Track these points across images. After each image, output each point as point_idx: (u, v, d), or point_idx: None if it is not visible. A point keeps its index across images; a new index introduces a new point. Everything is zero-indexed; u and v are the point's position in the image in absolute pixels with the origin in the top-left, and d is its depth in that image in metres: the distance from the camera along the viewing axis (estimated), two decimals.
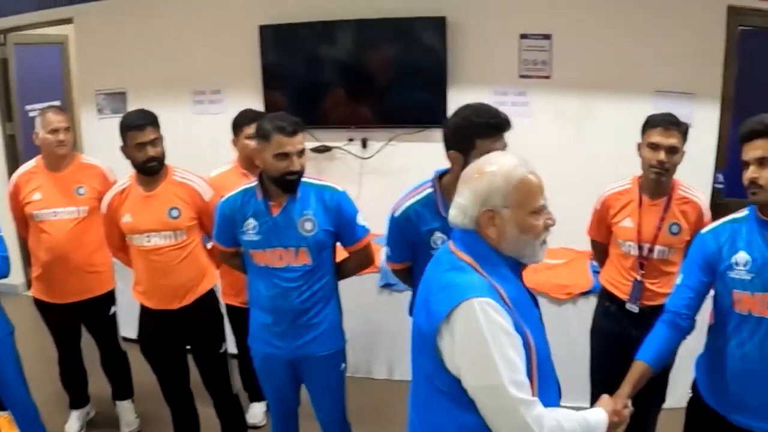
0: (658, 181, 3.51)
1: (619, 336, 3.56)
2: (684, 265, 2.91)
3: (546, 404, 2.02)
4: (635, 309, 3.60)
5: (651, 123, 3.49)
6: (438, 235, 3.05)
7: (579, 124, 5.55)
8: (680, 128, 3.44)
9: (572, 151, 5.51)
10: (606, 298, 3.83)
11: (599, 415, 2.23)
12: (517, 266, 2.19)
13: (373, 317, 5.08)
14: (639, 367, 2.73)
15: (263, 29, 5.69)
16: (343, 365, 3.58)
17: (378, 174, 5.66)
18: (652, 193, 3.59)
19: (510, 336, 1.96)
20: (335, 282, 3.51)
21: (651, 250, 3.58)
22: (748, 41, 5.80)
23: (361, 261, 3.56)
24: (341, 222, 3.36)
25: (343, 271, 3.57)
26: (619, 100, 5.42)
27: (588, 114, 5.53)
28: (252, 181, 3.40)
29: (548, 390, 2.12)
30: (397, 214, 3.13)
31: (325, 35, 5.66)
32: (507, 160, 2.11)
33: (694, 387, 2.98)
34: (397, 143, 5.65)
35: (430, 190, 3.09)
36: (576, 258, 5.25)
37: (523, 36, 5.44)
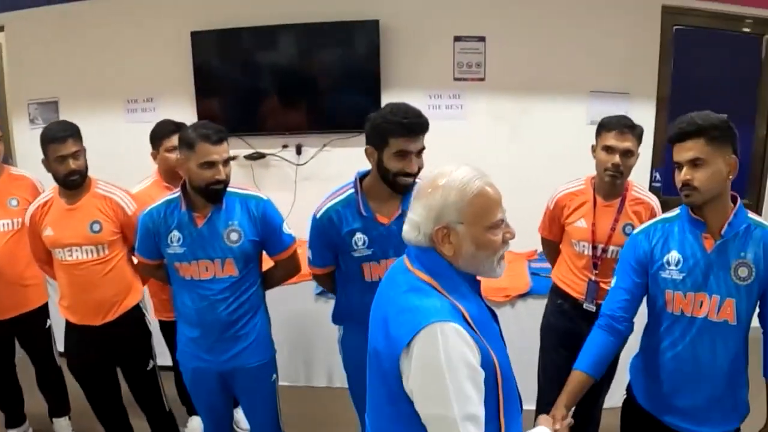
0: (612, 183, 3.53)
1: (573, 333, 3.56)
2: (618, 267, 2.89)
3: (509, 421, 2.00)
4: (593, 308, 3.59)
5: (606, 126, 3.50)
6: (359, 236, 3.06)
7: (514, 126, 5.56)
8: (635, 131, 3.47)
9: (508, 153, 5.51)
10: (558, 295, 3.82)
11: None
12: (475, 282, 2.10)
13: (310, 325, 4.99)
14: (576, 377, 2.70)
15: (195, 35, 5.59)
16: (274, 376, 3.51)
17: (313, 180, 5.59)
18: (606, 194, 3.61)
19: (470, 367, 1.85)
20: (262, 292, 3.46)
21: (605, 251, 3.59)
22: (683, 41, 5.87)
23: (289, 270, 3.52)
24: (267, 231, 3.31)
25: (269, 280, 3.51)
26: (554, 101, 5.45)
27: (523, 115, 5.54)
28: (175, 192, 3.32)
29: (511, 407, 2.06)
30: (318, 215, 3.12)
31: (257, 41, 5.57)
32: (461, 173, 1.97)
33: (629, 389, 2.97)
34: (331, 148, 5.59)
35: (351, 191, 3.10)
36: (513, 260, 5.20)
37: (457, 38, 5.43)
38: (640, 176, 5.36)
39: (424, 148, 2.97)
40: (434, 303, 1.90)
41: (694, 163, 2.49)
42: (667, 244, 2.69)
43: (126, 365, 3.87)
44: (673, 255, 2.66)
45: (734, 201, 2.62)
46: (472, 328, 1.91)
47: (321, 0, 5.41)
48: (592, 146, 3.58)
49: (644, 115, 5.27)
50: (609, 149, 3.45)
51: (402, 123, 2.86)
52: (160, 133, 4.17)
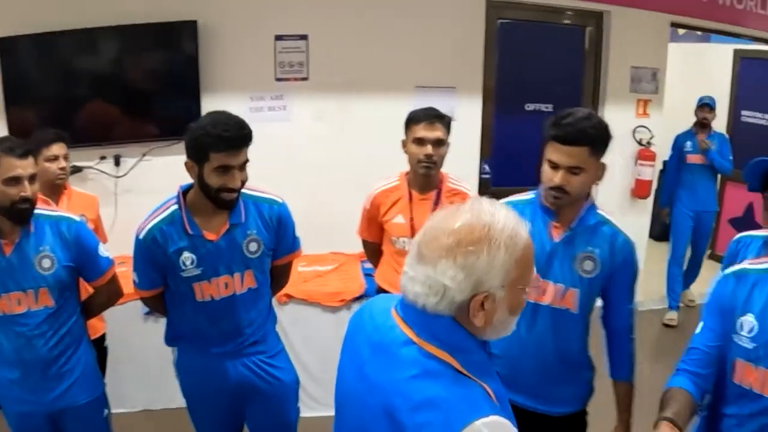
0: (427, 175, 3.52)
1: None
2: None
3: None
4: None
5: (414, 119, 3.51)
6: (186, 255, 2.86)
7: (339, 125, 5.48)
8: (443, 121, 3.50)
9: (334, 153, 5.42)
10: None
11: None
12: (486, 344, 1.70)
13: (142, 348, 4.66)
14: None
15: (2, 42, 5.21)
16: (106, 411, 3.22)
17: (135, 193, 5.23)
18: (422, 188, 3.61)
19: None
20: (83, 322, 3.15)
21: None
22: (508, 34, 5.98)
23: (110, 295, 3.23)
24: (82, 256, 3.01)
25: (90, 309, 3.22)
26: (379, 99, 5.41)
27: (348, 114, 5.48)
28: None
29: None
30: (141, 235, 2.88)
31: (70, 45, 5.19)
32: (503, 218, 1.57)
33: None
34: (152, 158, 5.27)
35: (175, 207, 2.89)
36: (346, 262, 5.15)
37: (279, 37, 5.26)
38: (469, 169, 5.41)
39: (247, 161, 2.81)
40: (465, 393, 1.51)
41: (573, 170, 2.48)
42: None
43: None
44: None
45: (586, 196, 2.64)
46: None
47: (135, 0, 5.10)
48: (402, 141, 3.57)
49: (470, 108, 5.33)
50: (420, 141, 3.46)
51: (222, 136, 2.66)
52: (37, 142, 3.82)
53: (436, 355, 1.55)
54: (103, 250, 3.10)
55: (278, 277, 3.24)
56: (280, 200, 3.04)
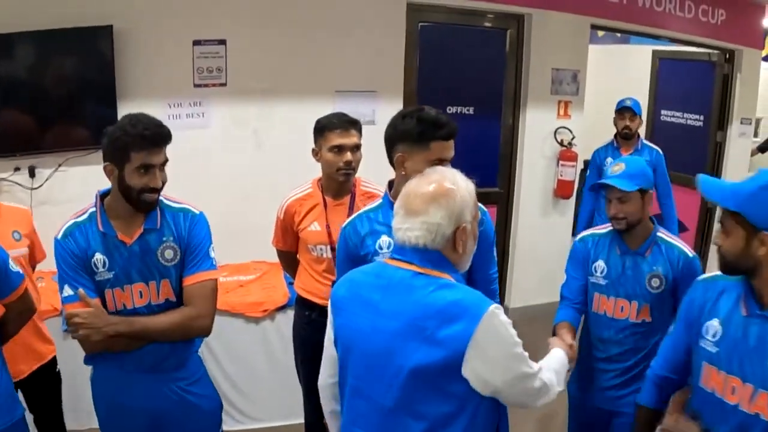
0: (346, 182, 3.51)
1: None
2: None
3: None
4: None
5: (328, 126, 3.47)
6: (99, 257, 2.74)
7: (259, 131, 5.44)
8: (357, 126, 3.50)
9: (253, 159, 5.39)
10: (305, 307, 3.70)
11: (559, 352, 2.56)
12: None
13: (64, 367, 4.47)
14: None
15: None
16: None
17: (51, 204, 5.06)
18: (336, 194, 3.58)
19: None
20: None
21: None
22: (428, 37, 6.02)
23: (22, 313, 3.01)
24: None
25: (5, 330, 2.99)
26: (298, 104, 5.37)
27: (267, 120, 5.44)
28: None
29: None
30: (60, 236, 2.77)
31: None
32: (459, 176, 2.21)
33: None
34: (68, 168, 5.11)
35: (93, 210, 2.81)
36: (268, 271, 5.06)
37: (197, 42, 5.18)
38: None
39: (167, 161, 2.76)
40: (472, 291, 2.09)
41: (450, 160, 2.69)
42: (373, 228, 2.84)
43: None
44: (384, 239, 2.79)
45: None
46: None
47: (48, 4, 4.90)
48: (314, 150, 3.55)
49: (391, 111, 5.17)
50: (339, 148, 3.43)
51: (144, 135, 2.62)
52: None
53: (439, 276, 2.08)
54: (14, 265, 2.90)
55: (189, 302, 2.88)
56: (197, 211, 2.94)
